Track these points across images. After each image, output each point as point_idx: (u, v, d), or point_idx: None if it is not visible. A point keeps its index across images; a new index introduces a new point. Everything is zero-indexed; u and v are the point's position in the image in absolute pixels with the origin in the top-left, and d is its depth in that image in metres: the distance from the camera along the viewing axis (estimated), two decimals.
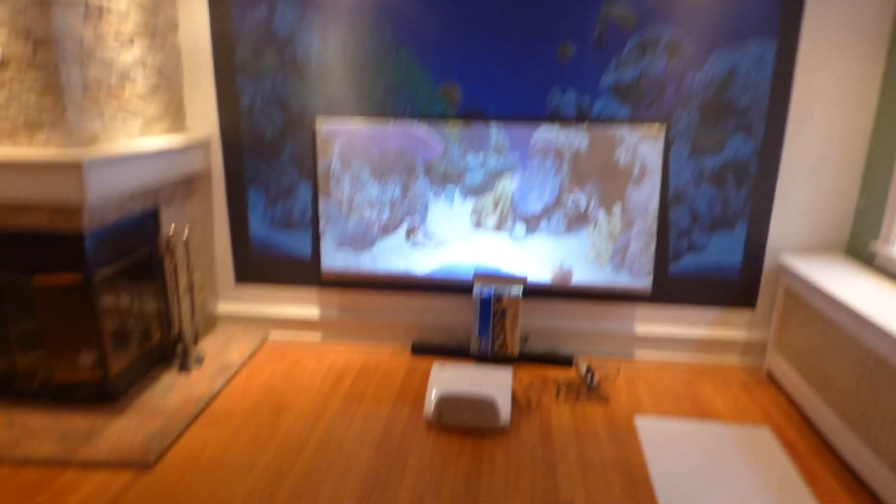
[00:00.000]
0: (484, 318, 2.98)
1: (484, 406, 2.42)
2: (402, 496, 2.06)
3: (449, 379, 2.57)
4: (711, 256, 2.99)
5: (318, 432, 2.43)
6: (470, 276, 3.08)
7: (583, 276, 3.00)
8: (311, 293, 3.28)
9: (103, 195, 2.32)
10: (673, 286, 3.05)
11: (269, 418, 2.53)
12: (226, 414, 2.55)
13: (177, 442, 2.34)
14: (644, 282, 2.96)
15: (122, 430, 2.37)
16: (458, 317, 3.25)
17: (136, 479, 2.13)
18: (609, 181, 2.87)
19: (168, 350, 2.94)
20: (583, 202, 2.91)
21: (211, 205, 3.22)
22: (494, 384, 2.55)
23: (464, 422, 2.46)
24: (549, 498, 2.07)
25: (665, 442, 2.40)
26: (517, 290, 2.95)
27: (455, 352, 3.11)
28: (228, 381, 2.82)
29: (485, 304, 2.96)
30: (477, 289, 2.96)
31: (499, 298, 2.95)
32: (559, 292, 3.13)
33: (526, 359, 3.06)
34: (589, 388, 2.82)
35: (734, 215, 2.92)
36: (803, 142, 2.79)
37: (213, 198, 3.21)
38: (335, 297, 3.27)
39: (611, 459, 2.29)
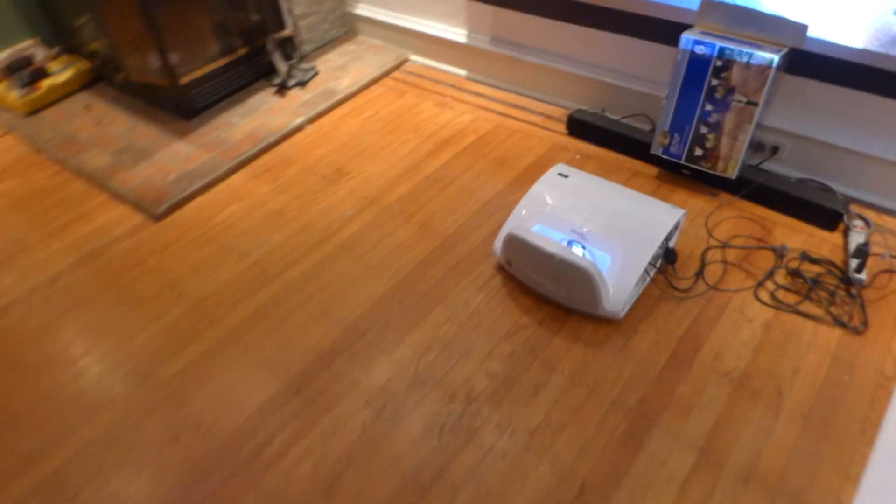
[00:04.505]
0: (689, 95, 1.60)
1: (572, 275, 1.35)
2: (380, 367, 1.33)
3: (555, 203, 1.49)
4: None
5: (353, 228, 1.72)
6: (694, 8, 1.61)
7: None
8: (460, 5, 2.19)
9: None
10: None
11: (318, 185, 1.88)
12: (278, 165, 1.98)
13: (202, 193, 1.90)
14: None
15: (166, 159, 2.01)
16: (653, 86, 1.87)
17: (138, 229, 1.79)
18: None
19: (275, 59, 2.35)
20: None
21: None
22: (630, 232, 1.39)
23: (539, 286, 1.46)
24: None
25: None
26: (771, 56, 1.44)
27: (628, 145, 1.85)
28: (314, 119, 2.17)
29: (696, 68, 1.56)
30: (689, 38, 1.53)
31: (727, 65, 1.51)
32: (867, 74, 1.47)
33: (750, 191, 1.66)
34: (842, 283, 1.42)
35: None
36: None
37: None
38: (488, 16, 2.13)
39: (789, 444, 1.13)
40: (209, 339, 1.45)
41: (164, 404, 1.33)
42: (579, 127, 1.95)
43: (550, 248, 1.33)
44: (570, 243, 1.43)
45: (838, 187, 1.66)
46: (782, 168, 1.74)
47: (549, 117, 2.07)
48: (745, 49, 1.47)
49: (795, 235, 1.57)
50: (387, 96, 2.26)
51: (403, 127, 2.10)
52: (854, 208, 1.61)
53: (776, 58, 1.44)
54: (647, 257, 1.38)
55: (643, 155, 1.82)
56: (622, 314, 1.39)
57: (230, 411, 1.30)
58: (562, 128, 2.01)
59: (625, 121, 1.96)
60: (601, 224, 1.43)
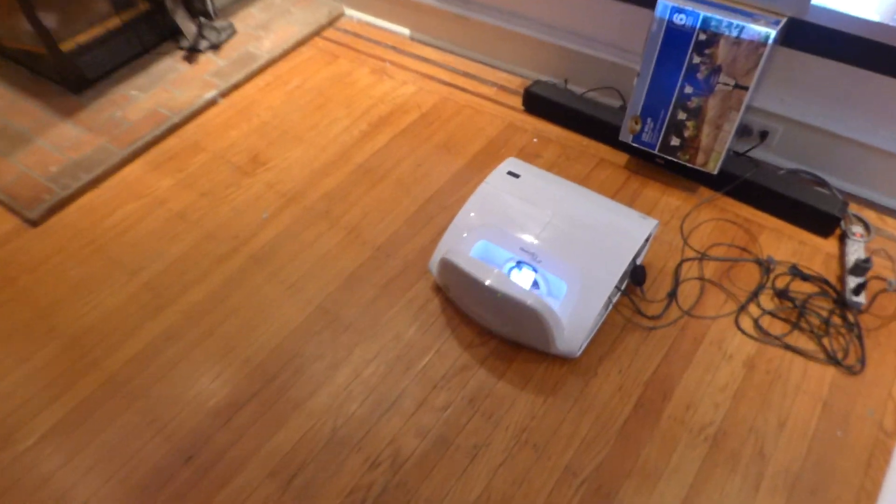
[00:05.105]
0: (665, 73, 1.33)
1: (518, 312, 1.11)
2: (291, 423, 1.10)
3: (503, 212, 1.23)
4: None
5: (268, 234, 1.44)
6: None
7: None
8: None
9: None
10: None
11: (229, 177, 1.59)
12: (184, 152, 1.67)
13: (90, 189, 1.59)
14: None
15: (49, 146, 1.68)
16: (624, 56, 1.58)
17: (9, 238, 1.49)
18: None
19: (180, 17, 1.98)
20: None
21: None
22: (591, 251, 1.15)
23: (482, 320, 1.22)
24: None
25: None
26: (766, 30, 1.17)
27: (593, 127, 1.58)
28: (229, 91, 1.84)
29: (675, 41, 1.28)
30: (666, 4, 1.24)
31: (712, 39, 1.23)
32: (880, 52, 1.21)
33: (734, 187, 1.42)
34: (837, 306, 1.21)
35: None
36: None
37: None
38: None
39: None
40: (85, 387, 1.20)
41: (24, 480, 1.09)
42: (537, 103, 1.66)
43: (491, 280, 1.08)
44: (518, 265, 1.19)
45: (834, 181, 1.43)
46: (771, 156, 1.49)
47: (503, 89, 1.77)
48: (736, 21, 1.18)
49: (784, 243, 1.34)
50: (316, 61, 1.93)
51: (334, 101, 1.78)
52: (852, 208, 1.38)
53: (772, 32, 1.16)
54: (611, 284, 1.14)
55: (611, 138, 1.55)
56: (579, 352, 1.16)
57: (105, 487, 1.07)
58: (518, 101, 1.72)
59: (591, 94, 1.68)
60: (557, 240, 1.18)
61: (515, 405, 1.12)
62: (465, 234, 1.23)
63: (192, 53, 1.94)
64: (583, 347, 1.17)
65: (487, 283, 1.08)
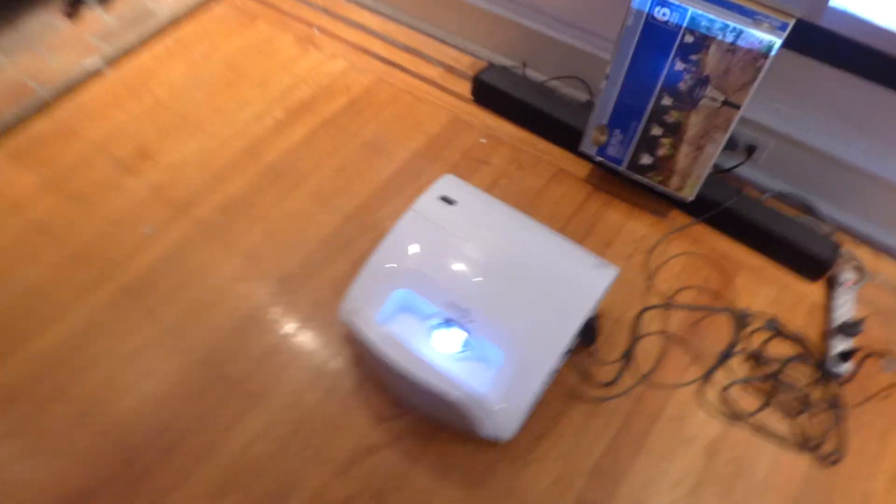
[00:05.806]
0: (640, 78, 1.07)
1: (438, 399, 0.89)
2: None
3: (431, 252, 0.98)
4: None
5: (149, 256, 1.18)
6: None
7: None
8: None
9: None
10: None
11: (108, 176, 1.29)
12: (55, 140, 1.36)
13: None
14: None
15: None
16: (595, 43, 1.30)
17: None
18: None
19: None
20: None
21: None
22: (536, 308, 0.92)
23: (399, 394, 1.00)
24: None
25: None
26: (770, 38, 0.91)
27: (552, 127, 1.32)
28: (118, 59, 1.51)
29: (655, 41, 1.02)
30: None
31: (701, 42, 0.97)
32: None
33: (710, 213, 1.19)
34: (818, 375, 1.02)
35: None
36: None
37: None
38: None
39: None
40: None
41: None
42: (489, 93, 1.39)
43: (403, 362, 0.86)
44: (446, 323, 0.96)
45: (827, 209, 1.21)
46: (757, 174, 1.26)
47: (450, 70, 1.48)
48: (732, 23, 0.92)
49: (764, 287, 1.13)
50: (230, 23, 1.60)
51: (247, 77, 1.48)
52: (846, 245, 1.18)
53: (777, 42, 0.91)
54: (557, 352, 0.92)
55: (573, 143, 1.29)
56: (512, 435, 0.96)
57: None
58: (467, 88, 1.44)
59: (552, 83, 1.41)
60: (494, 293, 0.94)
61: (432, 503, 0.92)
62: (382, 279, 0.98)
63: (74, 7, 1.59)
64: (518, 427, 0.97)
65: (402, 366, 0.85)
